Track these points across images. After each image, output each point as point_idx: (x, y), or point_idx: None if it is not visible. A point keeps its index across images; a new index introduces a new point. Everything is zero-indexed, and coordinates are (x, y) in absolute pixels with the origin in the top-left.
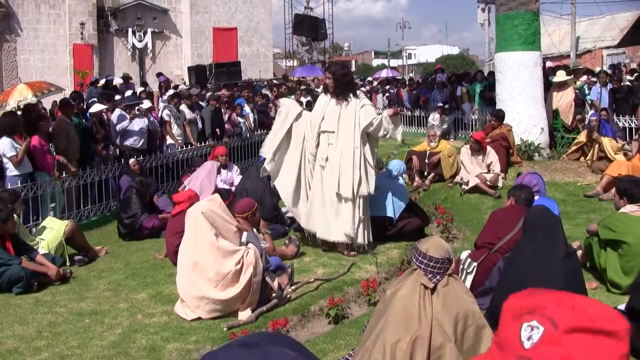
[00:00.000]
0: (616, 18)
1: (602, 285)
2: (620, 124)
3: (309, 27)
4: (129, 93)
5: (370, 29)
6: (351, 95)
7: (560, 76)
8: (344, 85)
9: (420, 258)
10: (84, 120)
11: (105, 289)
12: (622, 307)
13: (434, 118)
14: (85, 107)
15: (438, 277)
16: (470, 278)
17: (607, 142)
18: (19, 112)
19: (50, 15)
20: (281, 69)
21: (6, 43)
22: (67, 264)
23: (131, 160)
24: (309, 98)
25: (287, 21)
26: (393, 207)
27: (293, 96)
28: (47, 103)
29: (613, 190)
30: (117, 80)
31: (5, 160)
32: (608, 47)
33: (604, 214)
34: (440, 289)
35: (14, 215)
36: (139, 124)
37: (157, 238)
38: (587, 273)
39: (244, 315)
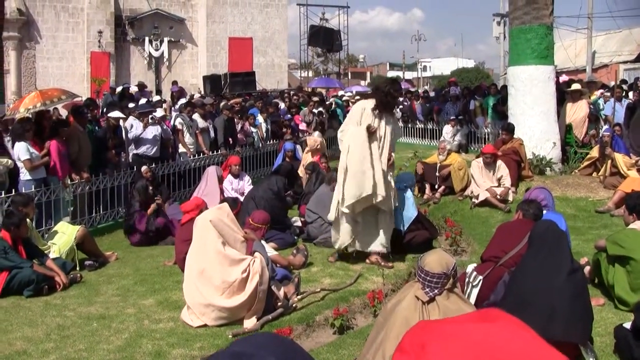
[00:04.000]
0: (633, 32)
1: (609, 302)
2: None
3: (324, 38)
4: (143, 101)
5: (386, 40)
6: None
7: (575, 86)
8: (393, 101)
9: (418, 271)
10: (97, 128)
11: (113, 294)
12: (628, 325)
13: (447, 131)
14: (100, 114)
15: (435, 291)
16: (475, 291)
17: (620, 158)
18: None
19: (69, 24)
20: (296, 79)
21: (25, 50)
22: (78, 268)
23: (143, 168)
24: (320, 109)
25: (302, 32)
26: (402, 219)
27: (306, 107)
28: (63, 111)
29: (624, 206)
30: (133, 89)
31: (20, 164)
32: (625, 62)
33: (615, 230)
34: (441, 302)
35: (27, 219)
36: (152, 131)
37: (165, 244)
38: (595, 289)
39: (250, 323)
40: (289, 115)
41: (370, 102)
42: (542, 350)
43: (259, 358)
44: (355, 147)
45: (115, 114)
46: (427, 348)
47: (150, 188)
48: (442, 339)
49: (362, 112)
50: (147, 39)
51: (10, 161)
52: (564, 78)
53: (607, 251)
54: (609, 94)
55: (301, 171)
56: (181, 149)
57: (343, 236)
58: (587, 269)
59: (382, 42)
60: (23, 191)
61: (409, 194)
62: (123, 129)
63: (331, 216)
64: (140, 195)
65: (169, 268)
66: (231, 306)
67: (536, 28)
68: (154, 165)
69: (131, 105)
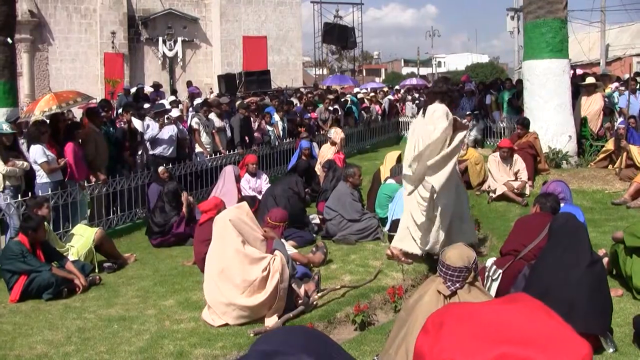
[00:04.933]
0: None
1: (627, 292)
2: None
3: (338, 35)
4: (163, 102)
5: (400, 37)
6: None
7: (589, 79)
8: (456, 95)
9: (440, 266)
10: (112, 129)
11: (133, 296)
12: None
13: None
14: (115, 115)
15: (457, 284)
16: (495, 285)
17: (636, 150)
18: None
19: (81, 25)
20: (311, 77)
21: (38, 52)
22: (96, 270)
23: (160, 169)
24: (336, 106)
25: (316, 30)
26: None
27: (322, 105)
28: (78, 112)
29: None
30: (148, 89)
31: (36, 167)
32: (638, 55)
33: (632, 221)
34: (462, 296)
35: (44, 222)
36: (168, 132)
37: (184, 245)
38: (613, 280)
39: (271, 321)
40: (308, 115)
41: (440, 106)
42: (560, 331)
43: (291, 357)
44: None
45: (137, 123)
46: (445, 326)
47: (178, 190)
48: (460, 318)
49: (444, 113)
50: (160, 39)
51: (26, 164)
52: (578, 71)
53: (625, 243)
54: (623, 87)
55: (318, 169)
56: (198, 148)
57: (434, 238)
58: (605, 260)
59: (396, 39)
60: (40, 194)
61: None
62: (138, 130)
63: (422, 218)
64: (170, 199)
65: (188, 268)
66: (252, 305)
67: (550, 22)
68: (170, 166)
69: (146, 105)
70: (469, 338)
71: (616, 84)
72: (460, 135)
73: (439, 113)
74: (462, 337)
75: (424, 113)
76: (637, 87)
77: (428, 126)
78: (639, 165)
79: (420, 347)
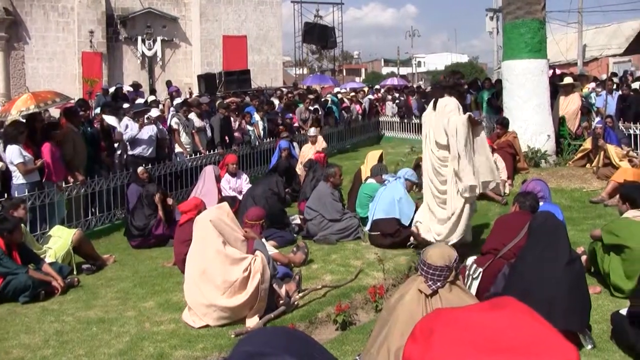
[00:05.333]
0: (622, 27)
1: (605, 289)
2: (631, 131)
3: (318, 35)
4: (139, 101)
5: (380, 37)
6: None
7: (567, 79)
8: (463, 88)
9: (421, 265)
10: (89, 129)
11: (112, 297)
12: (624, 311)
13: None
14: (92, 115)
15: (438, 283)
16: (476, 284)
17: (612, 149)
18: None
19: (59, 24)
20: (291, 77)
21: (14, 51)
22: (75, 272)
23: (140, 169)
24: (316, 106)
25: (296, 29)
26: (407, 212)
27: (302, 105)
28: (55, 112)
29: (618, 195)
30: (127, 88)
31: (12, 168)
32: (614, 55)
33: (609, 219)
34: (443, 295)
35: (21, 224)
36: (148, 132)
37: (164, 246)
38: (591, 278)
39: (252, 322)
40: (290, 115)
41: (451, 99)
42: (548, 336)
43: (274, 357)
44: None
45: (109, 119)
46: (435, 333)
47: (159, 191)
48: (449, 325)
49: (456, 106)
50: (139, 38)
51: (2, 164)
52: (556, 72)
53: (603, 240)
54: (599, 88)
55: (299, 168)
56: (177, 148)
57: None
58: (583, 258)
59: (377, 38)
60: (16, 195)
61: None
62: (116, 129)
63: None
64: (150, 202)
65: (168, 269)
66: (233, 306)
67: (529, 22)
68: (150, 166)
69: (125, 105)
70: (459, 346)
71: (593, 84)
72: (482, 131)
73: (450, 107)
74: (452, 346)
75: (434, 106)
76: (614, 87)
77: (442, 119)
78: (616, 164)
79: (410, 355)
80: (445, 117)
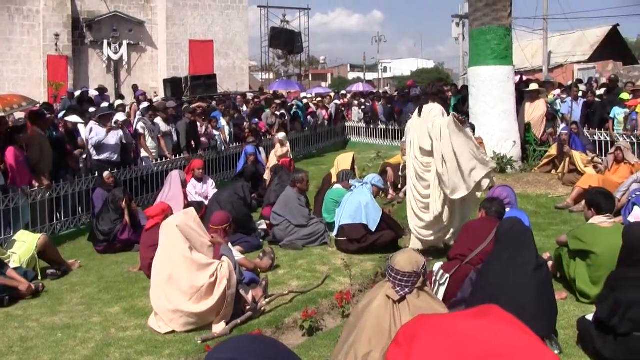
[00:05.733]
0: (586, 34)
1: (571, 295)
2: (596, 137)
3: (285, 40)
4: (105, 105)
5: (346, 42)
6: None
7: (533, 86)
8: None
9: (389, 271)
10: (54, 133)
11: (78, 303)
12: (590, 317)
13: None
14: (57, 119)
15: (406, 289)
16: (443, 289)
17: (578, 156)
18: None
19: (24, 27)
20: (257, 81)
21: None
22: (39, 277)
23: (105, 173)
24: (282, 111)
25: (263, 34)
26: (374, 217)
27: (269, 110)
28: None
29: (583, 201)
30: (92, 92)
31: None
32: (579, 62)
33: (575, 225)
34: (411, 301)
35: None
36: (114, 137)
37: (130, 251)
38: (557, 283)
39: (218, 328)
40: (256, 120)
41: (435, 105)
42: (531, 344)
43: None
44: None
45: (73, 118)
46: (417, 339)
47: (124, 195)
48: (432, 331)
49: (440, 112)
50: (105, 42)
51: None
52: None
53: (569, 246)
54: (564, 94)
55: (267, 174)
56: (143, 153)
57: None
58: (549, 264)
59: (343, 44)
60: None
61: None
62: (82, 133)
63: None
64: (116, 207)
65: (134, 274)
66: (200, 311)
67: (495, 29)
68: (116, 171)
69: (92, 109)
70: (439, 352)
71: (558, 90)
72: (469, 130)
73: (435, 112)
74: (433, 351)
75: (419, 113)
76: (579, 94)
77: (427, 124)
78: (581, 170)
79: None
80: (430, 121)
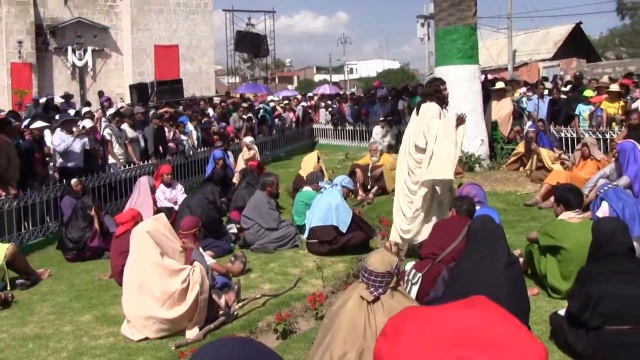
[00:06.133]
0: (550, 32)
1: (543, 291)
2: (562, 134)
3: (250, 43)
4: (72, 112)
5: (312, 44)
6: None
7: (499, 84)
8: (442, 94)
9: (362, 272)
10: (20, 141)
11: (48, 312)
12: (562, 312)
13: (377, 132)
14: (22, 126)
15: (380, 290)
16: (415, 289)
17: (545, 153)
18: None
19: None
20: (223, 85)
21: None
22: (8, 288)
23: (73, 181)
24: (250, 114)
25: (228, 38)
26: (344, 219)
27: (236, 114)
28: None
29: (552, 198)
30: (58, 100)
31: None
32: (543, 60)
33: (544, 221)
34: (385, 301)
35: None
36: (78, 143)
37: (100, 259)
38: (528, 280)
39: (192, 333)
40: (224, 124)
41: (432, 105)
42: (517, 333)
43: None
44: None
45: (38, 123)
46: (403, 329)
47: (93, 203)
48: (417, 323)
49: (436, 112)
50: (70, 48)
51: None
52: (488, 77)
53: (539, 242)
54: (530, 92)
55: (236, 178)
56: (111, 160)
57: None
58: (520, 260)
59: (309, 46)
60: None
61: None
62: (50, 141)
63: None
64: (85, 215)
65: (104, 282)
66: (172, 317)
67: (461, 29)
68: (83, 178)
69: (57, 117)
70: (426, 342)
71: (524, 88)
72: (461, 128)
73: (431, 113)
74: (420, 341)
75: (417, 112)
76: (545, 91)
77: (423, 125)
78: (549, 167)
79: (379, 351)
80: (425, 123)
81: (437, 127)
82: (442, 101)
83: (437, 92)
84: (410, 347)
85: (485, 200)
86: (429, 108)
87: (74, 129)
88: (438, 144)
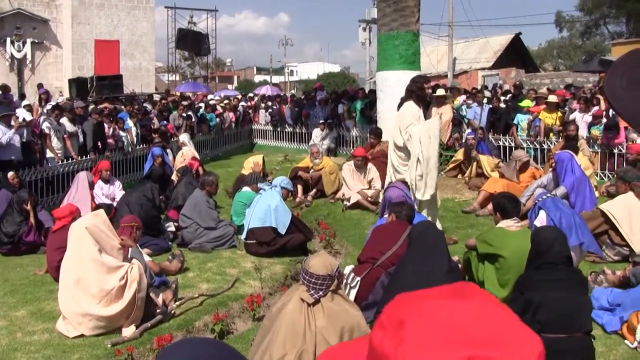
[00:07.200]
0: (490, 41)
1: None
2: (501, 143)
3: (192, 41)
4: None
5: (253, 45)
6: None
7: (440, 91)
8: (423, 93)
9: (303, 274)
10: None
11: None
12: None
13: (317, 134)
14: None
15: (320, 292)
16: (354, 292)
17: (485, 160)
18: None
19: None
20: (163, 83)
21: None
22: None
23: (10, 174)
24: (190, 113)
25: (170, 35)
26: (283, 220)
27: (176, 111)
28: None
29: (490, 206)
30: None
31: None
32: (483, 69)
33: (481, 229)
34: (325, 304)
35: None
36: (17, 136)
37: (35, 253)
38: None
39: (128, 331)
40: (165, 122)
41: (410, 106)
42: (517, 328)
43: None
44: (434, 139)
45: None
46: (406, 325)
47: (30, 197)
48: (421, 317)
49: (415, 114)
50: (8, 39)
51: None
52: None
53: (477, 249)
54: (470, 100)
55: (174, 176)
56: (49, 154)
57: None
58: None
59: (249, 46)
60: None
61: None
62: None
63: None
64: (21, 209)
65: (40, 277)
66: (109, 315)
67: (403, 35)
68: (20, 171)
69: None
70: (433, 339)
71: (464, 96)
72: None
73: (408, 118)
74: (425, 338)
75: (398, 109)
76: (484, 100)
77: (402, 131)
78: (488, 174)
79: (381, 346)
80: (404, 130)
81: (419, 133)
82: (424, 100)
83: (418, 90)
84: (418, 345)
85: (412, 198)
86: (407, 111)
87: (12, 122)
88: (426, 148)
